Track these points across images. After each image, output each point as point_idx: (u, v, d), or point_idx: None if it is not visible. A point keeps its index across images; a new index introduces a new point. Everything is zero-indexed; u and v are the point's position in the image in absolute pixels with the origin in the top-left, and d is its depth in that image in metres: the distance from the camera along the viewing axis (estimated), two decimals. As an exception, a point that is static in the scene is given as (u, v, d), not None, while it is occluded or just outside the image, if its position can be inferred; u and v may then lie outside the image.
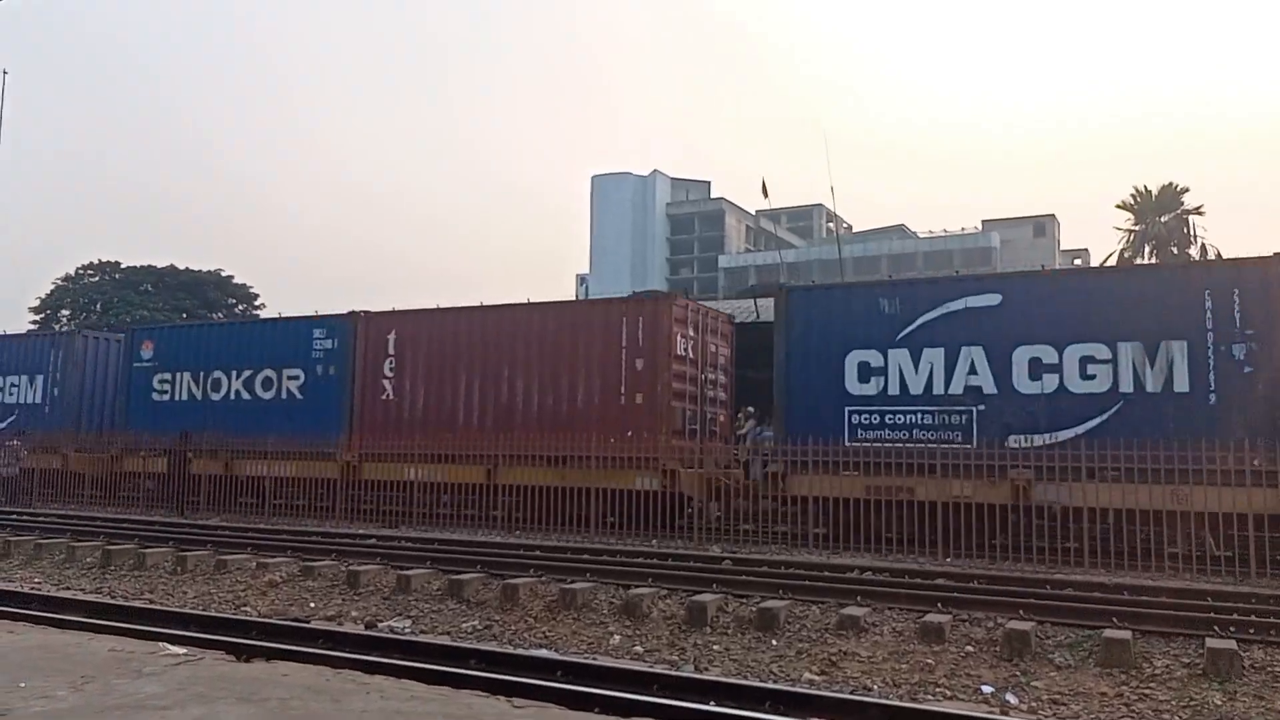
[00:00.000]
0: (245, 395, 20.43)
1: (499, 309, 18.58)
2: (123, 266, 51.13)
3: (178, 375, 21.38)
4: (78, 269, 51.57)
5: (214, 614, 10.08)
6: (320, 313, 20.25)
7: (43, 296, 50.59)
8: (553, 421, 16.72)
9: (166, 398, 21.44)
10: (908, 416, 14.37)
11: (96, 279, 51.09)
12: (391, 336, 18.87)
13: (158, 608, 10.42)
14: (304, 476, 18.54)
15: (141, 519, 17.76)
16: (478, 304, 18.70)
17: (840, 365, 14.87)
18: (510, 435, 16.71)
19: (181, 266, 51.23)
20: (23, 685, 5.01)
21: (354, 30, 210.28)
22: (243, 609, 10.70)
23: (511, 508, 16.59)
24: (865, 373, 14.72)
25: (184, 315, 45.23)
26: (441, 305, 19.16)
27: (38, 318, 49.56)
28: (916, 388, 14.37)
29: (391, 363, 18.78)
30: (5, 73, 38.10)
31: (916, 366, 14.40)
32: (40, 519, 17.28)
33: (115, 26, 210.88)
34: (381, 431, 18.40)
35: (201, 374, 21.04)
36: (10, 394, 23.87)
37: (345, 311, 19.76)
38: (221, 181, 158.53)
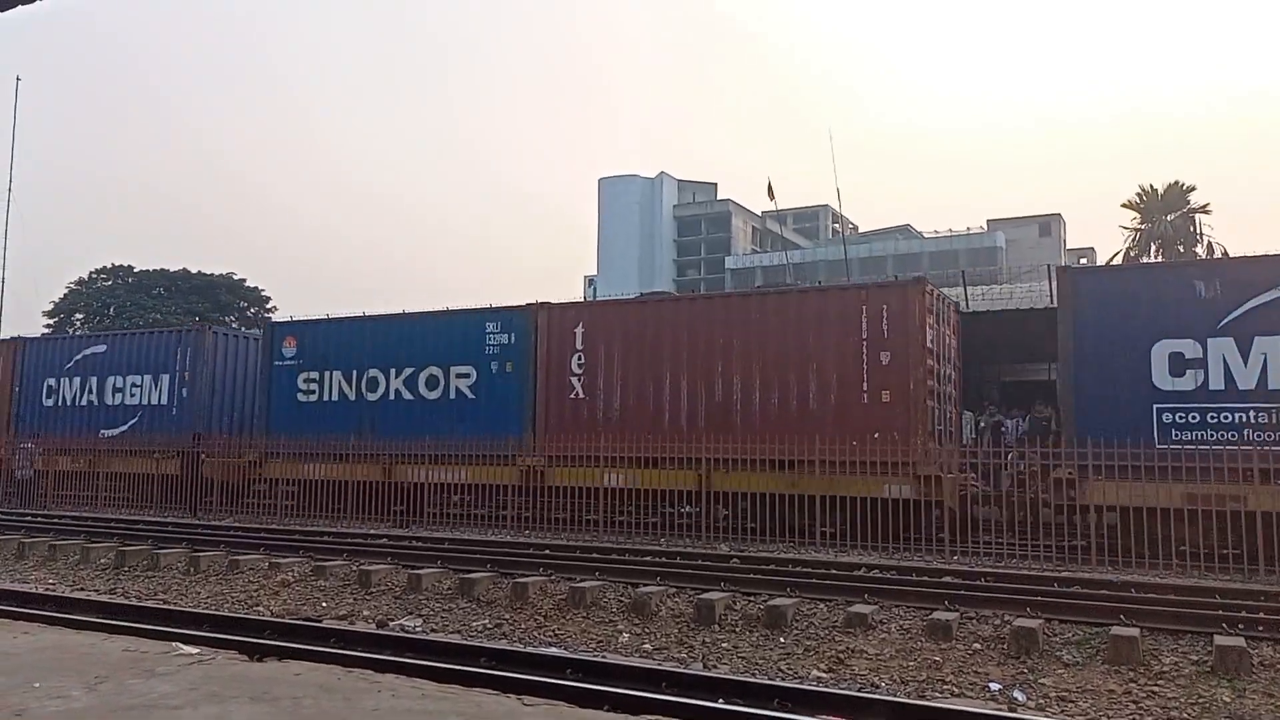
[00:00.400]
0: (407, 395, 18.68)
1: (709, 298, 17.36)
2: (135, 270, 51.38)
3: (326, 374, 19.60)
4: (91, 273, 51.77)
5: (227, 614, 10.17)
6: (494, 305, 18.64)
7: (56, 300, 50.90)
8: (779, 422, 15.22)
9: (314, 398, 19.68)
10: (1237, 415, 12.67)
11: (110, 283, 51.29)
12: (579, 330, 17.35)
13: (171, 608, 10.52)
14: (479, 483, 17.19)
15: (154, 519, 17.81)
16: (686, 294, 17.63)
17: (1145, 357, 13.17)
18: (728, 437, 15.31)
19: (193, 270, 51.53)
20: (37, 685, 5.05)
21: (353, 33, 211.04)
22: (255, 609, 10.79)
23: (714, 515, 15.39)
24: (1179, 365, 13.04)
25: (196, 319, 45.41)
26: (633, 296, 17.46)
27: (51, 321, 49.85)
28: (1246, 382, 12.65)
29: (580, 358, 17.23)
30: (19, 79, 38.52)
31: (1246, 358, 12.69)
32: (55, 521, 17.39)
33: (121, 31, 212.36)
34: (570, 433, 16.72)
35: (354, 372, 19.26)
36: (132, 395, 22.01)
37: (523, 303, 18.16)
38: (224, 183, 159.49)
